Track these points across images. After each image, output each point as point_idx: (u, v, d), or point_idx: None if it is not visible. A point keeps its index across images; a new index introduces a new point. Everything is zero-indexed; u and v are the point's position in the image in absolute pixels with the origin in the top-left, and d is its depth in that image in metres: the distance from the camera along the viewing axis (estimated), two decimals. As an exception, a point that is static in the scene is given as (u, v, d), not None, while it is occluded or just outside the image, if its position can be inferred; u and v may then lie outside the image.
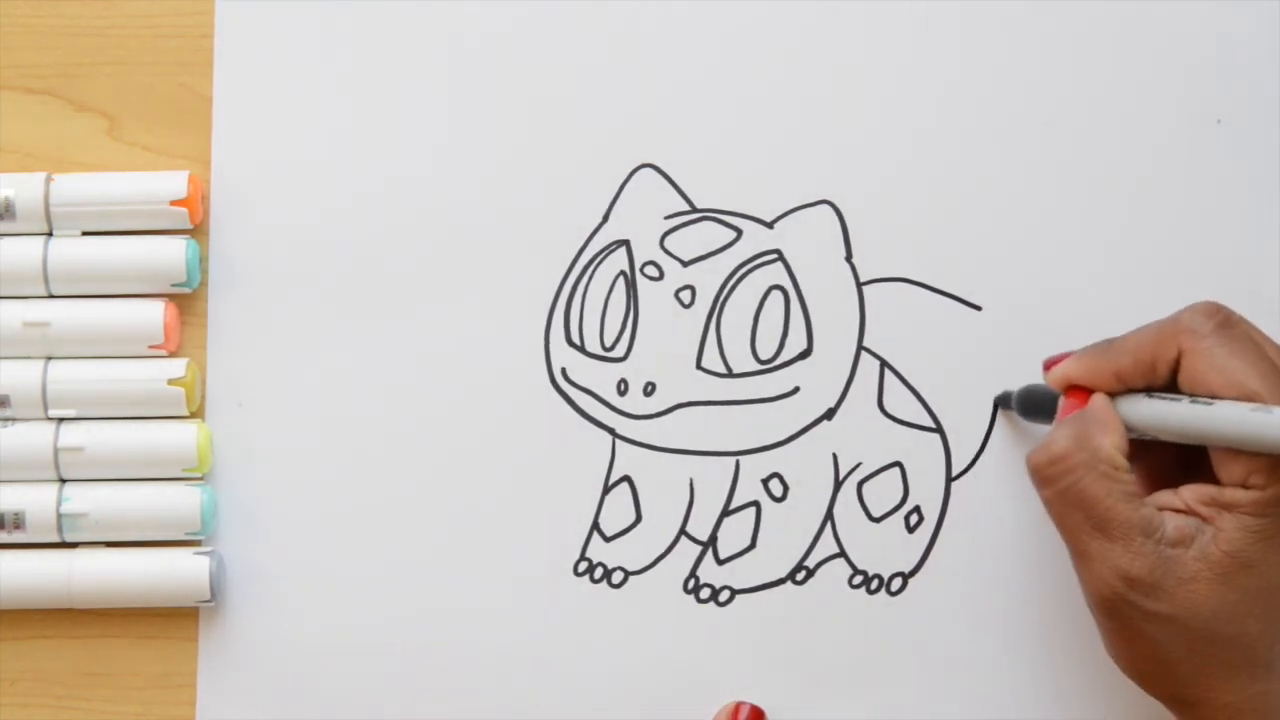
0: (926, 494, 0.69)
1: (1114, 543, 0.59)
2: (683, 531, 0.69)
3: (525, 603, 0.69)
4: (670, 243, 0.69)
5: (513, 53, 0.70)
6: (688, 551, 0.69)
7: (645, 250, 0.69)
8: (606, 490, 0.69)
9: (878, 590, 0.68)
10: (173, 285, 0.69)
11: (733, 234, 0.69)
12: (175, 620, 0.69)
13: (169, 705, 0.69)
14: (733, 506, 0.69)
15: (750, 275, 0.69)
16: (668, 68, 0.70)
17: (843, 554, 0.69)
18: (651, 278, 0.69)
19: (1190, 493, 0.60)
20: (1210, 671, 0.59)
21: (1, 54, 0.70)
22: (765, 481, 0.69)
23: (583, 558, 0.69)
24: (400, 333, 0.69)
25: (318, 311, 0.70)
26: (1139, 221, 0.69)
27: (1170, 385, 0.61)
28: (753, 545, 0.69)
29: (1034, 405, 0.66)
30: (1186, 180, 0.69)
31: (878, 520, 0.69)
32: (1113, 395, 0.62)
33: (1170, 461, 0.63)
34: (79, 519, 0.68)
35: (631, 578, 0.69)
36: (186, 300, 0.70)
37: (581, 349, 0.69)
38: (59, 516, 0.68)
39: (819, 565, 0.69)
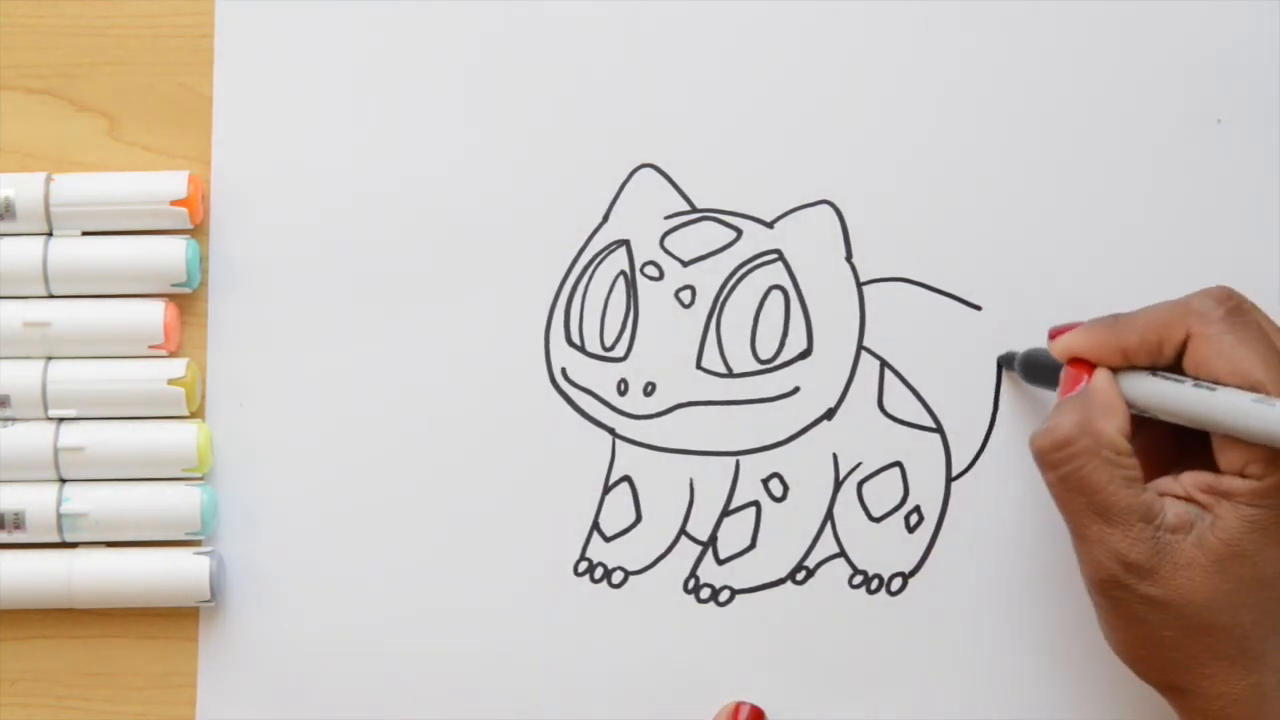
0: (926, 494, 0.69)
1: (1114, 527, 0.59)
2: (683, 531, 0.69)
3: (525, 603, 0.69)
4: (670, 243, 0.69)
5: (513, 53, 0.70)
6: (688, 551, 0.69)
7: (645, 250, 0.69)
8: (606, 490, 0.69)
9: (878, 590, 0.68)
10: (173, 285, 0.69)
11: (733, 234, 0.69)
12: (175, 620, 0.69)
13: (169, 705, 0.69)
14: (733, 506, 0.69)
15: (750, 275, 0.69)
16: (668, 68, 0.70)
17: (843, 554, 0.69)
18: (651, 278, 0.69)
19: (1190, 479, 0.60)
20: (1203, 660, 0.59)
21: (1, 54, 0.70)
22: (765, 481, 0.69)
23: (583, 558, 0.69)
24: (400, 332, 0.69)
25: (318, 311, 0.70)
26: (1139, 221, 0.69)
27: (1175, 366, 0.61)
28: (753, 545, 0.69)
29: (1037, 369, 0.66)
30: (1186, 180, 0.69)
31: (878, 520, 0.69)
32: (1115, 370, 0.62)
33: (1169, 440, 0.63)
34: (79, 519, 0.68)
35: (631, 578, 0.69)
36: (186, 300, 0.70)
37: (581, 349, 0.69)
38: (59, 516, 0.68)
39: (819, 565, 0.69)
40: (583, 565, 0.69)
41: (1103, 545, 0.60)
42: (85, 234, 0.69)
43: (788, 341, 0.69)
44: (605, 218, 0.70)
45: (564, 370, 0.69)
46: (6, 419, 0.69)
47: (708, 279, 0.69)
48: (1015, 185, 0.69)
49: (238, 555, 0.69)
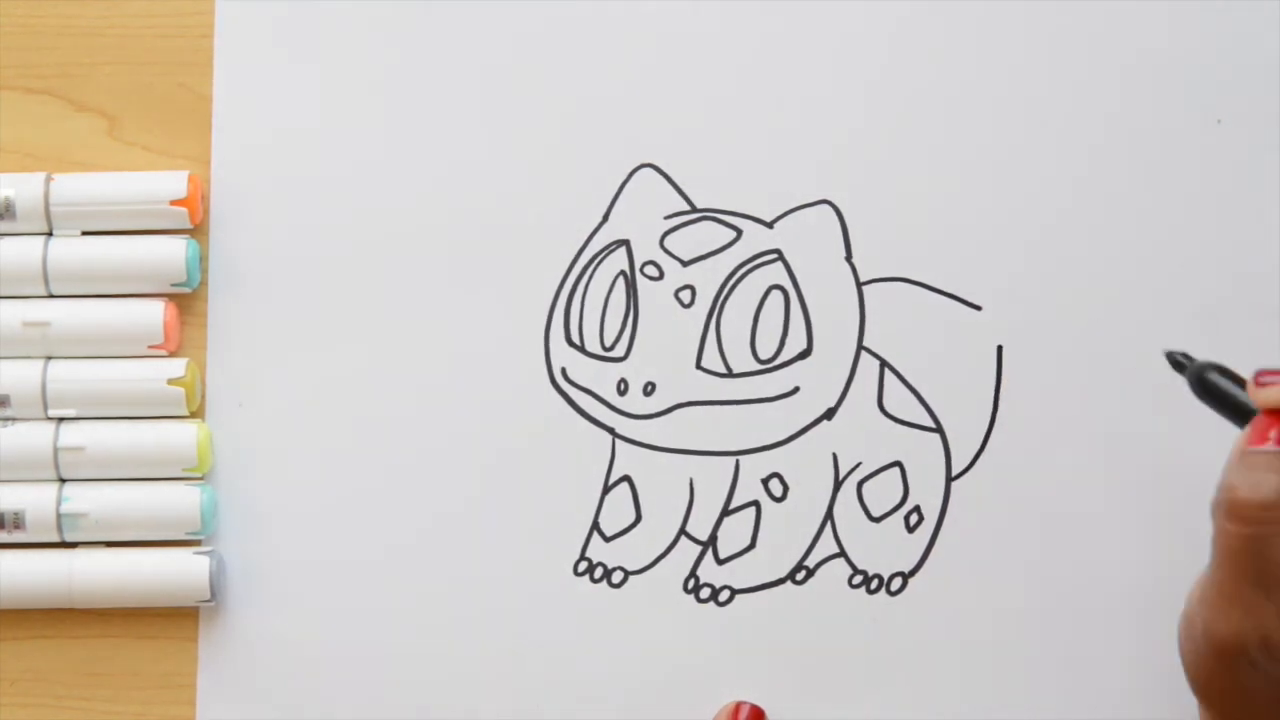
0: (926, 494, 0.68)
1: (1270, 602, 0.57)
2: (683, 531, 0.69)
3: (525, 603, 0.69)
4: (670, 242, 0.69)
5: (513, 53, 0.70)
6: (688, 551, 0.69)
7: (645, 250, 0.69)
8: (606, 490, 0.69)
9: (878, 590, 0.68)
10: (173, 285, 0.69)
11: (732, 234, 0.69)
12: (175, 620, 0.69)
13: (169, 705, 0.69)
14: (733, 506, 0.69)
15: (750, 275, 0.69)
16: (668, 68, 0.70)
17: (843, 554, 0.69)
18: (651, 278, 0.69)
19: None
20: None
21: (1, 54, 0.70)
22: (765, 481, 0.69)
23: (583, 558, 0.69)
24: (400, 332, 0.69)
25: (318, 311, 0.70)
26: (1139, 221, 0.69)
27: None
28: (753, 545, 0.69)
29: (1212, 390, 0.62)
30: (1186, 180, 0.69)
31: (877, 520, 0.69)
32: None
33: None
34: (79, 519, 0.68)
35: (631, 577, 0.69)
36: (186, 300, 0.70)
37: (581, 349, 0.69)
38: (59, 516, 0.68)
39: (819, 565, 0.69)
40: (583, 565, 0.69)
41: (1252, 616, 0.57)
42: (85, 234, 0.69)
43: (787, 341, 0.69)
44: (605, 218, 0.70)
45: (564, 370, 0.69)
46: (6, 419, 0.69)
47: (707, 279, 0.69)
48: (1015, 185, 0.69)
49: (238, 555, 0.69)
